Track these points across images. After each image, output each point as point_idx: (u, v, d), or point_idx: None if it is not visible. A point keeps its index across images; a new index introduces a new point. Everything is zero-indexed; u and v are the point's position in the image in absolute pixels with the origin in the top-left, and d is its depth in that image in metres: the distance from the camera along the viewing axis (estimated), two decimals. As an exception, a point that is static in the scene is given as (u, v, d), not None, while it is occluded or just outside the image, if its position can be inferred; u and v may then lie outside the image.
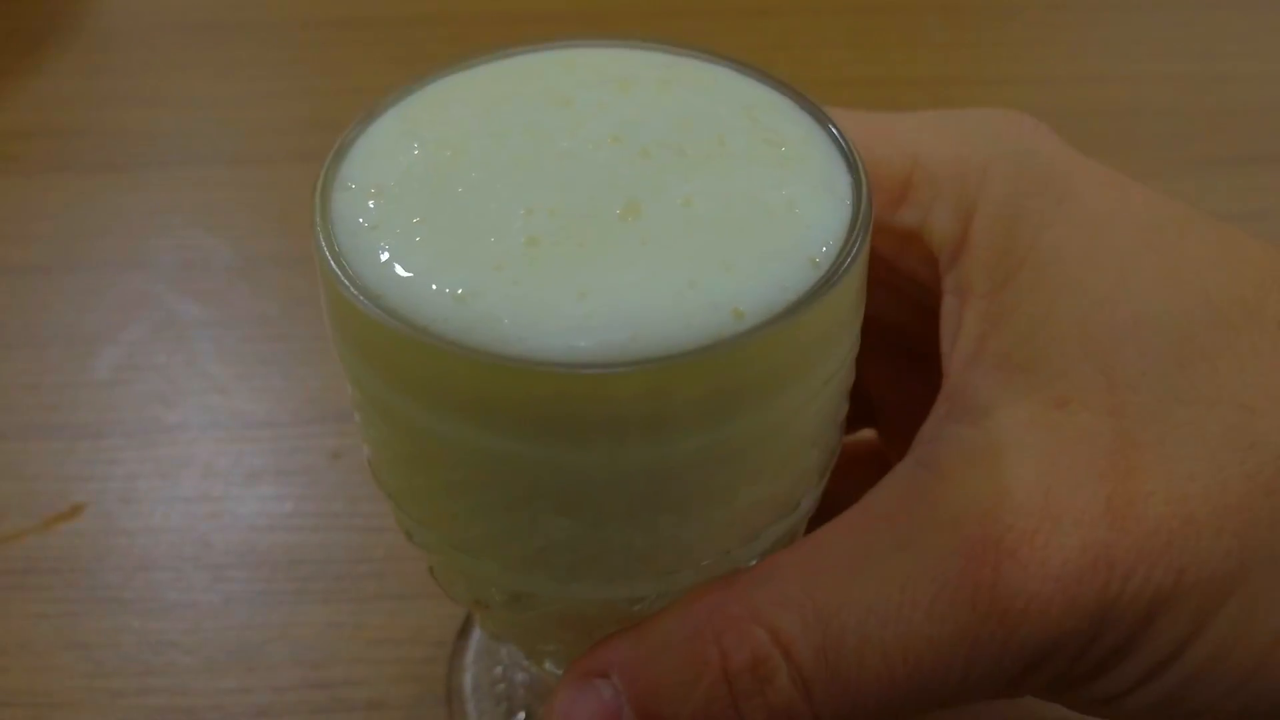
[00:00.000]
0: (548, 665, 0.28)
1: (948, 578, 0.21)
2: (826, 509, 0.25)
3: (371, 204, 0.22)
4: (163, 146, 0.52)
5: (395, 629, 0.35)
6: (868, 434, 0.33)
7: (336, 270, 0.21)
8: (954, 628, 0.21)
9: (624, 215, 0.21)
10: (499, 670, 0.34)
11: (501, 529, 0.22)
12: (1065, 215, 0.24)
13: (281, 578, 0.36)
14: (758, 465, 0.22)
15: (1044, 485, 0.21)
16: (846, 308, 0.22)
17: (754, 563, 0.24)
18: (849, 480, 0.26)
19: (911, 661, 0.21)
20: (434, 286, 0.20)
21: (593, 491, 0.21)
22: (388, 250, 0.21)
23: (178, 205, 0.49)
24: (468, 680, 0.34)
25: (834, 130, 0.24)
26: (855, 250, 0.21)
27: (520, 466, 0.21)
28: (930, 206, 0.25)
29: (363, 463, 0.38)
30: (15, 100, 0.53)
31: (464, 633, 0.35)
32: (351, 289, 0.20)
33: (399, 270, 0.20)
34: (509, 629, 0.27)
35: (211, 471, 0.39)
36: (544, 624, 0.25)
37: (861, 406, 0.30)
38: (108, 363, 0.42)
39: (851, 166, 0.23)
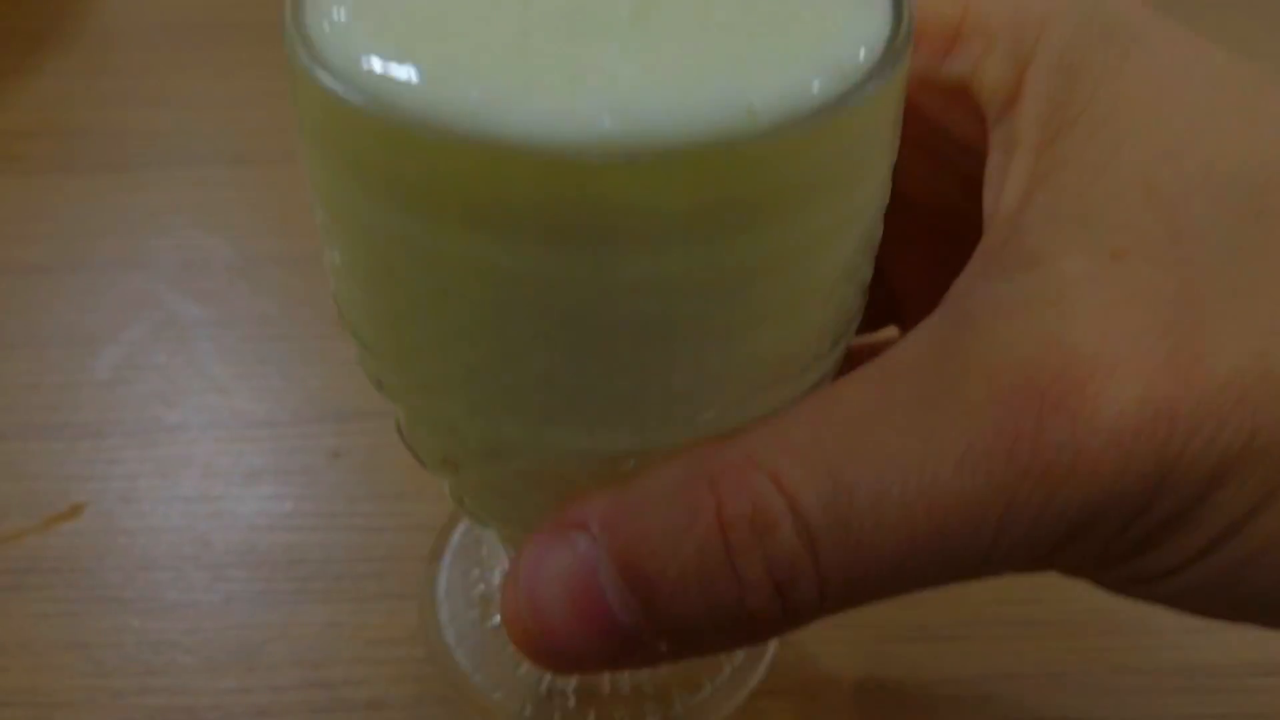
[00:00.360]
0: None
1: (982, 428, 0.18)
2: None
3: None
4: (163, 147, 0.52)
5: (395, 628, 0.35)
6: (891, 333, 0.31)
7: (299, 42, 0.19)
8: (986, 484, 0.18)
9: (634, 17, 0.18)
10: (476, 572, 0.33)
11: (470, 360, 0.20)
12: (1132, 66, 0.21)
13: (281, 577, 0.36)
14: (761, 305, 0.19)
15: (1099, 334, 0.19)
16: (876, 130, 0.20)
17: None
18: None
19: (936, 520, 0.18)
20: (408, 67, 0.18)
21: (571, 311, 0.19)
22: (359, 32, 0.19)
23: (178, 205, 0.49)
24: (441, 583, 0.32)
25: None
26: (894, 61, 0.19)
27: (490, 277, 0.18)
28: (981, 56, 0.22)
29: (362, 462, 0.39)
30: (17, 100, 0.54)
31: (441, 534, 0.33)
32: (307, 60, 0.19)
33: (371, 53, 0.18)
34: (483, 497, 0.25)
35: (211, 471, 0.39)
36: (519, 487, 0.23)
37: (886, 302, 0.28)
38: (108, 362, 0.42)
39: None
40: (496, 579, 0.33)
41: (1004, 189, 0.21)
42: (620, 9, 0.19)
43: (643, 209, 0.17)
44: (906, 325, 0.29)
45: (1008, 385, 0.18)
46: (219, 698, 0.33)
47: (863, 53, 0.19)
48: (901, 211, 0.22)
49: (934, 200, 0.26)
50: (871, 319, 0.25)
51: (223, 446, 0.40)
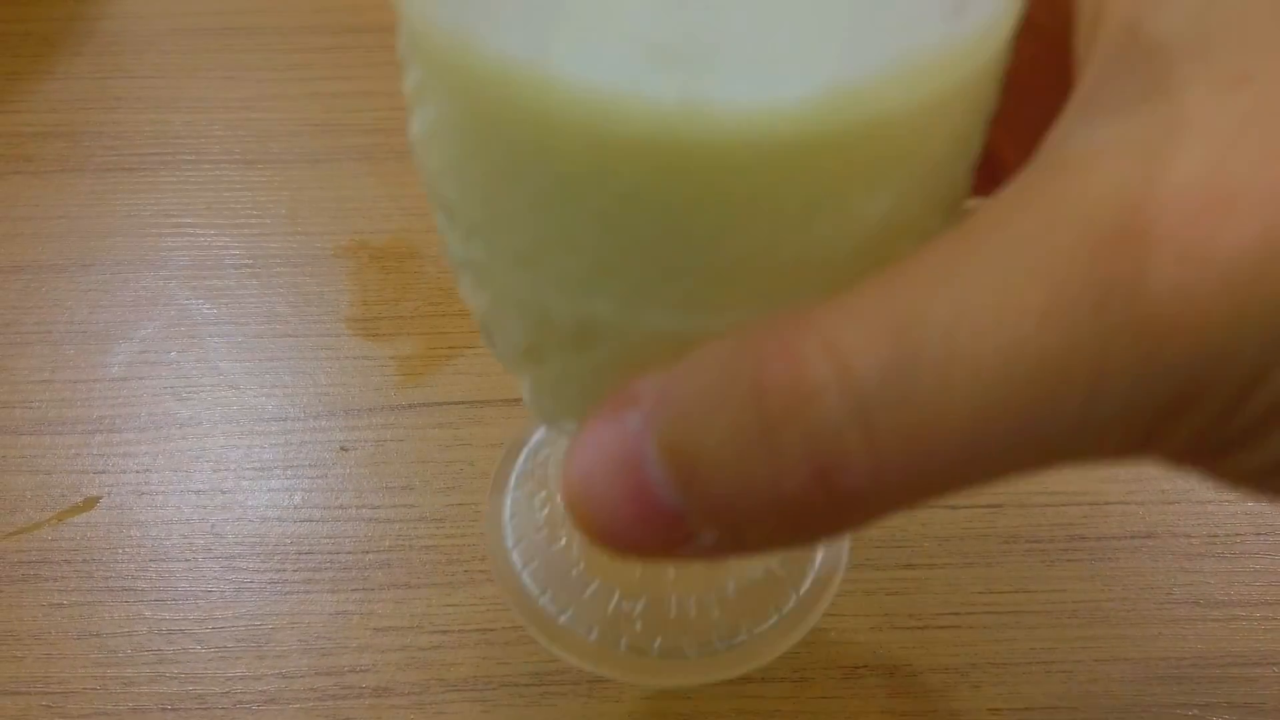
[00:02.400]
0: None
1: (1071, 275, 0.15)
2: None
3: None
4: (174, 148, 0.52)
5: (402, 617, 0.35)
6: None
7: None
8: (1075, 341, 0.15)
9: None
10: (542, 495, 0.32)
11: (563, 231, 0.19)
12: None
13: (291, 568, 0.37)
14: (870, 179, 0.18)
15: (1218, 164, 0.15)
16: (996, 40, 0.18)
17: None
18: None
19: (1015, 386, 0.15)
20: None
21: (675, 186, 0.17)
22: None
23: (189, 205, 0.49)
24: (507, 505, 0.31)
25: None
26: None
27: (595, 142, 0.17)
28: None
29: (370, 456, 0.39)
30: (30, 102, 0.54)
31: (507, 459, 0.32)
32: None
33: None
34: (562, 394, 0.23)
35: (223, 465, 0.40)
36: (604, 378, 0.21)
37: (992, 168, 0.24)
38: (121, 359, 0.43)
39: None
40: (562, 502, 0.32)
41: (1102, 20, 0.18)
42: None
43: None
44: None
45: (1104, 225, 0.15)
46: (229, 685, 0.34)
47: None
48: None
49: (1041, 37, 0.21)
50: (979, 188, 0.21)
51: (234, 441, 0.41)
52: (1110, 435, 0.16)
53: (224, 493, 0.39)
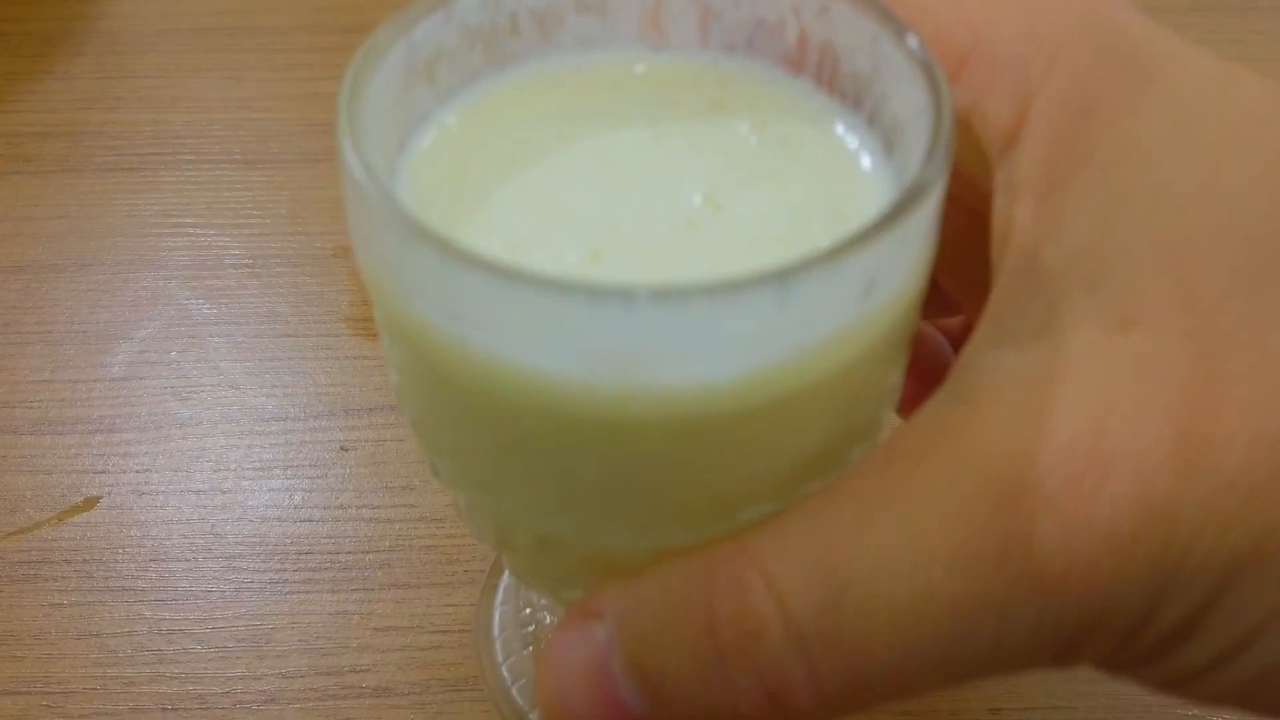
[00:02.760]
0: None
1: (973, 528, 0.17)
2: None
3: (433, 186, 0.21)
4: (174, 147, 0.52)
5: (402, 617, 0.35)
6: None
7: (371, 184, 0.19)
8: (978, 589, 0.17)
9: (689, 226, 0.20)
10: (527, 612, 0.33)
11: (525, 469, 0.21)
12: (1149, 102, 0.19)
13: (291, 568, 0.37)
14: (798, 423, 0.20)
15: (1098, 422, 0.17)
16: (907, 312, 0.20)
17: None
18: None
19: (929, 626, 0.17)
20: (484, 230, 0.20)
21: (623, 435, 0.19)
22: (440, 204, 0.20)
23: (189, 205, 0.49)
24: (495, 620, 0.33)
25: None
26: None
27: (544, 406, 0.19)
28: (985, 89, 0.20)
29: (370, 456, 0.39)
30: (30, 102, 0.54)
31: (494, 569, 0.34)
32: (376, 191, 0.19)
33: (453, 209, 0.20)
34: (535, 572, 0.26)
35: (223, 465, 0.40)
36: (570, 568, 0.24)
37: (944, 297, 0.27)
38: (121, 359, 0.43)
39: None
40: (547, 620, 0.34)
41: (1010, 239, 0.20)
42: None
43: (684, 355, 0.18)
44: (964, 311, 0.28)
45: (1000, 480, 0.17)
46: (229, 685, 0.34)
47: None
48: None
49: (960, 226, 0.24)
50: (934, 311, 0.25)
51: (234, 441, 0.41)
52: (1021, 662, 0.18)
53: (224, 493, 0.39)
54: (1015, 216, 0.20)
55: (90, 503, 0.39)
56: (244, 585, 0.36)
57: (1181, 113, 0.19)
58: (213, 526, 0.38)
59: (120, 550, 0.37)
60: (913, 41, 0.20)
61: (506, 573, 0.34)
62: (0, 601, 0.36)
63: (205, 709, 0.34)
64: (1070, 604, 0.17)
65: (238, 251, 0.47)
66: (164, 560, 0.37)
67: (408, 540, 0.37)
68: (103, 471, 0.39)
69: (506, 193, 0.21)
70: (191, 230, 0.48)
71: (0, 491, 0.39)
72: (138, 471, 0.40)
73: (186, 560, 0.37)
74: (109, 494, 0.39)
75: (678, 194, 0.21)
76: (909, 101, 0.20)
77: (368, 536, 0.38)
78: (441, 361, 0.19)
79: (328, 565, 0.37)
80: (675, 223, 0.21)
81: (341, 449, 0.40)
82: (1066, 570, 0.17)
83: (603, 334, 0.17)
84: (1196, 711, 0.33)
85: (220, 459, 0.40)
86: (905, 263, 0.19)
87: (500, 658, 0.33)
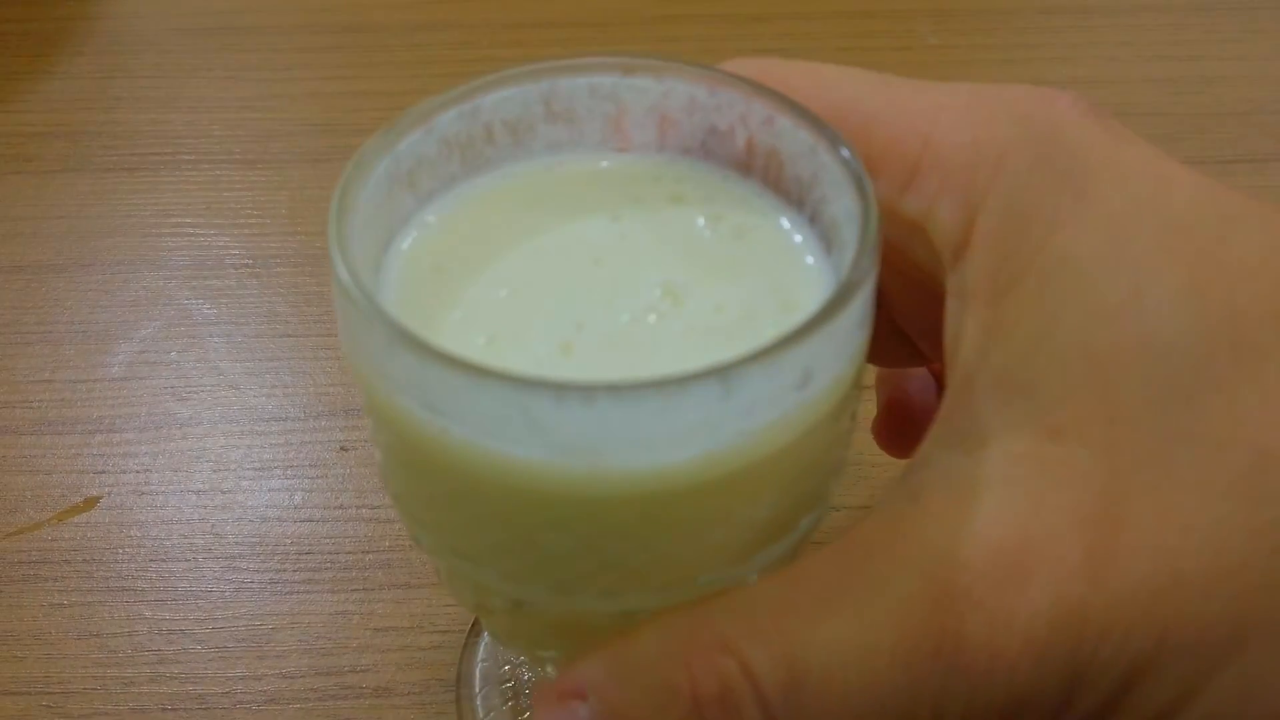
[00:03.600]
0: (549, 670, 0.29)
1: (911, 624, 0.19)
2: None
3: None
4: (174, 148, 0.52)
5: (402, 617, 0.35)
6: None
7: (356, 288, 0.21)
8: (917, 678, 0.19)
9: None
10: (507, 668, 0.34)
11: (500, 541, 0.23)
12: (1082, 213, 0.20)
13: (291, 568, 0.37)
14: (750, 495, 0.22)
15: (1023, 530, 0.19)
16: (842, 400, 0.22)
17: (754, 578, 0.23)
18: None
19: (874, 707, 0.19)
20: (464, 325, 0.22)
21: (589, 512, 0.21)
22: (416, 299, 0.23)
23: (189, 205, 0.49)
24: (477, 674, 0.34)
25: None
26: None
27: (513, 485, 0.21)
28: (935, 197, 0.22)
29: (370, 455, 0.39)
30: (30, 102, 0.54)
31: (475, 628, 0.35)
32: (361, 298, 0.21)
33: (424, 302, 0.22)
34: (511, 633, 0.27)
35: (223, 465, 0.40)
36: (544, 630, 0.26)
37: (909, 346, 0.29)
38: (122, 359, 0.43)
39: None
40: (526, 676, 0.34)
41: (960, 342, 0.21)
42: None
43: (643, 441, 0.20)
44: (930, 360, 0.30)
45: (937, 579, 0.19)
46: (229, 685, 0.34)
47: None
48: (896, 278, 0.24)
49: (913, 301, 0.26)
50: (902, 360, 0.27)
51: (234, 441, 0.41)
52: None
53: (224, 493, 0.39)
54: (966, 321, 0.21)
55: (90, 503, 0.39)
56: (244, 585, 0.36)
57: (1113, 226, 0.20)
58: (213, 526, 0.38)
59: (120, 550, 0.37)
60: (845, 153, 0.22)
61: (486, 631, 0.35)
62: (0, 601, 0.36)
63: (205, 709, 0.33)
64: (996, 693, 0.19)
65: (238, 251, 0.47)
66: (164, 560, 0.37)
67: (408, 540, 0.37)
68: (103, 471, 0.39)
69: (484, 288, 0.24)
70: (191, 230, 0.48)
71: (0, 491, 0.39)
72: (138, 471, 0.40)
73: (186, 560, 0.37)
74: (109, 494, 0.39)
75: (641, 285, 0.23)
76: (842, 206, 0.22)
77: (368, 536, 0.38)
78: (422, 446, 0.21)
79: (328, 565, 0.37)
80: (636, 314, 0.23)
81: (341, 449, 0.40)
82: (991, 665, 0.19)
83: (568, 426, 0.19)
84: None
85: (220, 459, 0.40)
86: (839, 353, 0.21)
87: (481, 714, 0.33)
